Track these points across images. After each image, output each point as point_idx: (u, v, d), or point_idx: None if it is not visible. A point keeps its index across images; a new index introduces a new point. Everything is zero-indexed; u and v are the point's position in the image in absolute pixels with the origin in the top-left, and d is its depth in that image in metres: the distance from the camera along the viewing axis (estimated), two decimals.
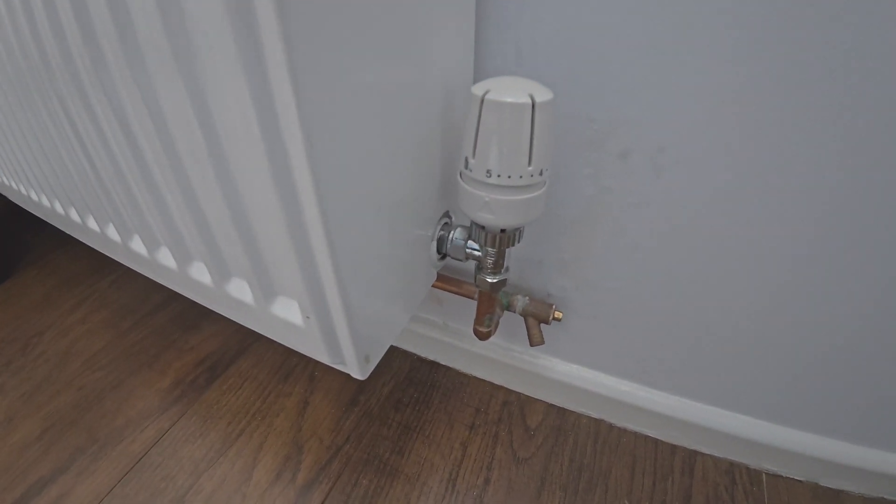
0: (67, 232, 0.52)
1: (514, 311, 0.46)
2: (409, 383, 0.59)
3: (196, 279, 0.33)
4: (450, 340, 0.57)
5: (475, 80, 0.36)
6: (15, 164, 0.48)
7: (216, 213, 0.26)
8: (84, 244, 0.83)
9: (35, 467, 0.51)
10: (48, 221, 0.56)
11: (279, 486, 0.49)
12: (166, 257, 0.35)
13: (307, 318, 0.27)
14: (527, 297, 0.46)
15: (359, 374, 0.29)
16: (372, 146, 0.24)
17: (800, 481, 0.49)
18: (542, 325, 0.46)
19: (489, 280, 0.36)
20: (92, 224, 0.42)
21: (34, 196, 0.50)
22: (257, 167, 0.21)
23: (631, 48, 0.32)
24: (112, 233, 0.40)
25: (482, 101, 0.27)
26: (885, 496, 0.47)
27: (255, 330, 0.35)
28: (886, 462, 0.46)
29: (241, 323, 0.36)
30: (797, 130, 0.31)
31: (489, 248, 0.34)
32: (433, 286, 0.47)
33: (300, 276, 0.24)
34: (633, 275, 0.43)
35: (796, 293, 0.38)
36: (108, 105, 0.27)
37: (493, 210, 0.29)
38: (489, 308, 0.41)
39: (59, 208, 0.46)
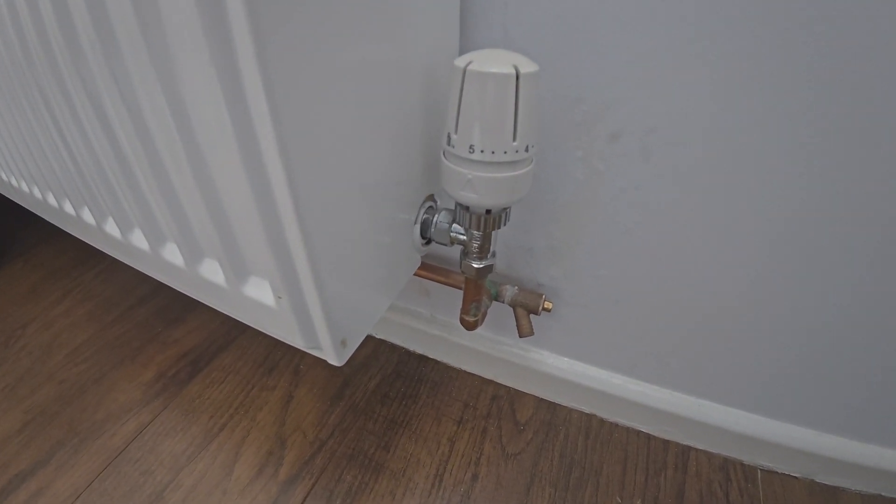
0: (47, 218, 0.51)
1: (503, 302, 0.45)
2: (396, 377, 0.57)
3: (169, 261, 0.32)
4: (438, 333, 0.56)
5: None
6: None
7: (186, 191, 0.25)
8: (69, 238, 0.82)
9: (15, 461, 0.50)
10: (27, 208, 0.55)
11: (261, 481, 0.47)
12: (139, 239, 0.34)
13: (279, 298, 0.25)
14: (516, 287, 0.44)
15: (335, 359, 0.28)
16: (347, 125, 0.23)
17: (796, 477, 0.48)
18: (532, 315, 0.45)
19: (475, 265, 0.35)
20: (68, 208, 0.41)
21: (14, 182, 0.49)
22: (226, 143, 0.20)
23: (621, 26, 0.31)
24: (87, 216, 0.39)
25: (464, 72, 0.25)
26: (882, 493, 0.46)
27: (230, 314, 0.34)
28: (884, 458, 0.45)
29: (216, 307, 0.35)
30: (789, 112, 0.30)
31: (474, 231, 0.33)
32: (420, 276, 0.46)
33: (270, 254, 0.23)
34: (624, 261, 0.41)
35: (792, 285, 0.37)
36: (79, 80, 0.26)
37: (477, 188, 0.28)
38: (475, 296, 0.40)
39: (36, 193, 0.45)
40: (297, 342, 0.28)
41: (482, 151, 0.27)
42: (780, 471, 0.49)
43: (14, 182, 0.49)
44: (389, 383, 0.56)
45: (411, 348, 0.60)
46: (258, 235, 0.23)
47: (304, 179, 0.21)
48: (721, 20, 0.29)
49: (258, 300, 0.27)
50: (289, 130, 0.19)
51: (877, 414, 0.43)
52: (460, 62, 0.26)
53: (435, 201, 0.37)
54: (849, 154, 0.30)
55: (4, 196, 0.63)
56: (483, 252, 0.35)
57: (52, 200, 0.43)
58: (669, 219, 0.38)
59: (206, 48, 0.17)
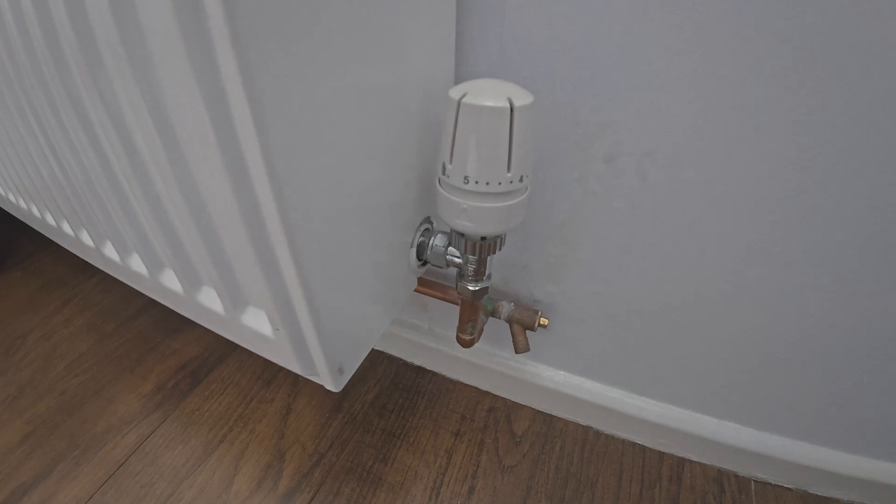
0: (46, 235, 0.51)
1: (500, 318, 0.45)
2: (394, 389, 0.58)
3: (167, 287, 0.32)
4: (436, 346, 0.57)
5: (456, 81, 0.35)
6: None
7: (181, 221, 0.25)
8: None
9: (17, 472, 0.50)
10: (27, 223, 0.55)
11: (260, 494, 0.48)
12: (138, 264, 0.34)
13: (276, 329, 0.26)
14: (512, 304, 0.45)
15: (332, 385, 0.28)
16: (340, 150, 0.23)
17: (789, 489, 0.49)
18: (528, 331, 0.45)
19: (470, 288, 0.35)
20: (67, 228, 0.41)
21: (12, 198, 0.49)
22: (216, 175, 0.20)
23: (618, 48, 0.31)
24: (85, 238, 0.39)
25: (459, 104, 0.26)
26: None
27: (230, 339, 0.34)
28: (877, 470, 0.45)
29: (216, 331, 0.35)
30: (784, 134, 0.30)
31: (470, 256, 0.33)
32: (418, 291, 0.46)
33: (266, 288, 0.23)
34: (621, 278, 0.42)
35: (785, 300, 0.38)
36: (73, 113, 0.26)
37: (472, 217, 0.29)
38: (472, 315, 0.40)
39: (35, 211, 0.45)
40: (295, 369, 0.28)
41: (476, 182, 0.27)
42: (773, 482, 0.49)
43: (12, 198, 0.49)
44: (387, 395, 0.57)
45: (409, 360, 0.61)
46: (252, 267, 0.23)
47: (297, 208, 0.21)
48: (716, 43, 0.29)
49: (257, 330, 0.28)
50: (278, 157, 0.19)
51: (870, 426, 0.43)
52: (455, 94, 0.26)
53: (431, 223, 0.37)
54: (846, 173, 0.30)
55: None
56: (479, 275, 0.35)
57: (50, 220, 0.44)
58: (665, 237, 0.38)
59: (192, 76, 0.17)
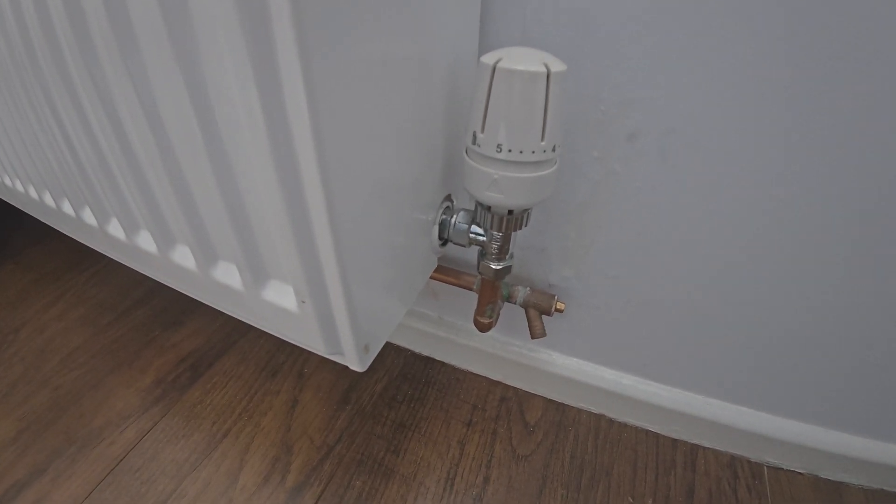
0: (42, 219, 0.49)
1: (515, 303, 0.44)
2: (403, 379, 0.57)
3: (179, 264, 0.31)
4: (445, 335, 0.56)
5: (479, 56, 0.35)
6: None
7: (204, 191, 0.24)
8: (62, 240, 0.79)
9: (11, 470, 0.48)
10: (19, 207, 0.53)
11: (268, 489, 0.46)
12: (146, 241, 0.33)
13: (302, 302, 0.25)
14: (528, 288, 0.44)
15: (358, 365, 0.27)
16: (377, 122, 0.22)
17: (800, 473, 0.49)
18: (544, 316, 0.44)
19: (493, 266, 0.34)
20: (67, 208, 0.39)
21: (7, 182, 0.47)
22: (256, 142, 0.19)
23: (642, 25, 0.31)
24: (88, 216, 0.37)
25: (494, 69, 0.25)
26: (885, 487, 0.47)
27: (242, 319, 0.33)
28: (886, 453, 0.45)
29: (227, 312, 0.34)
30: (811, 116, 0.30)
31: (495, 232, 0.33)
32: (431, 277, 0.45)
33: (297, 257, 0.22)
34: (638, 262, 0.41)
35: (798, 284, 0.38)
36: (90, 83, 0.25)
37: (503, 188, 0.28)
38: (491, 297, 0.39)
39: (32, 193, 0.43)
40: (319, 348, 0.27)
41: (510, 151, 0.26)
42: (785, 467, 0.49)
43: (7, 181, 0.47)
44: (396, 386, 0.56)
45: (417, 350, 0.60)
46: (285, 237, 0.22)
47: (338, 178, 0.20)
48: (742, 22, 0.28)
49: (278, 304, 0.27)
50: (325, 125, 0.18)
51: (880, 409, 0.44)
52: (488, 59, 0.25)
53: (451, 201, 0.36)
54: (870, 155, 0.30)
55: None
56: (502, 253, 0.34)
57: (49, 201, 0.42)
58: (684, 220, 0.38)
59: (241, 37, 0.16)
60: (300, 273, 0.23)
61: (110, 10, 0.20)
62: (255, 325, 0.32)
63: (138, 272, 0.39)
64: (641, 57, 0.32)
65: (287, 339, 0.30)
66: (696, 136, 0.33)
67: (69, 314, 0.66)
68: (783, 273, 0.38)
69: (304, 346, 0.29)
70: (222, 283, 0.29)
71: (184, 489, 0.47)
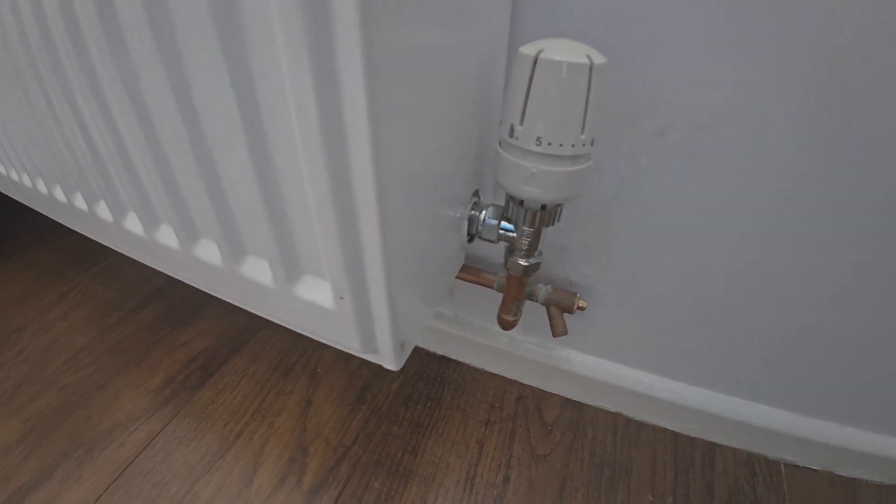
0: (49, 215, 0.48)
1: (537, 301, 0.44)
2: (418, 379, 0.56)
3: (203, 259, 0.30)
4: (461, 334, 0.55)
5: (510, 52, 0.34)
6: None
7: (240, 185, 0.23)
8: (64, 237, 0.78)
9: (16, 474, 0.47)
10: (28, 205, 0.51)
11: (284, 490, 0.45)
12: (167, 236, 0.32)
13: (340, 298, 0.24)
14: (549, 286, 0.43)
15: (393, 363, 0.26)
16: (422, 114, 0.22)
17: (816, 471, 0.49)
18: (565, 314, 0.44)
19: (522, 263, 0.34)
20: (79, 203, 0.38)
21: (14, 176, 0.46)
22: (306, 129, 0.18)
23: (674, 19, 0.30)
24: (103, 211, 0.36)
25: (535, 60, 0.24)
26: None
27: (265, 315, 0.32)
28: None
29: (249, 308, 0.33)
30: (846, 115, 0.30)
31: (525, 228, 0.32)
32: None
33: (340, 251, 0.21)
34: (662, 259, 0.41)
35: (817, 283, 0.38)
36: (111, 61, 0.24)
37: (540, 182, 0.27)
38: (517, 295, 0.39)
39: (41, 187, 0.42)
40: (353, 345, 0.26)
41: (549, 144, 0.26)
42: (801, 464, 0.49)
43: (14, 175, 0.46)
44: (412, 386, 0.55)
45: (432, 349, 0.59)
46: (329, 230, 0.21)
47: (387, 170, 0.19)
48: (778, 20, 0.28)
49: (311, 301, 0.26)
50: (380, 113, 0.17)
51: (894, 406, 0.44)
52: (529, 50, 0.25)
53: (479, 197, 0.35)
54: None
55: None
56: (532, 250, 0.34)
57: (59, 195, 0.40)
58: (710, 217, 0.37)
59: (298, 18, 0.15)
60: (342, 268, 0.22)
61: None
62: (280, 322, 0.31)
63: (144, 271, 0.39)
64: (674, 51, 0.31)
65: (316, 337, 0.29)
66: (727, 132, 0.33)
67: (74, 313, 0.64)
68: (803, 272, 0.37)
69: (334, 345, 0.28)
70: (250, 279, 0.28)
71: (197, 492, 0.46)
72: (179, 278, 0.36)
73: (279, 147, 0.21)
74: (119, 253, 0.42)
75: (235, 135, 0.21)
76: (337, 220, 0.20)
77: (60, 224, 0.49)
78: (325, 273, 0.24)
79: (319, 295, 0.26)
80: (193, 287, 0.36)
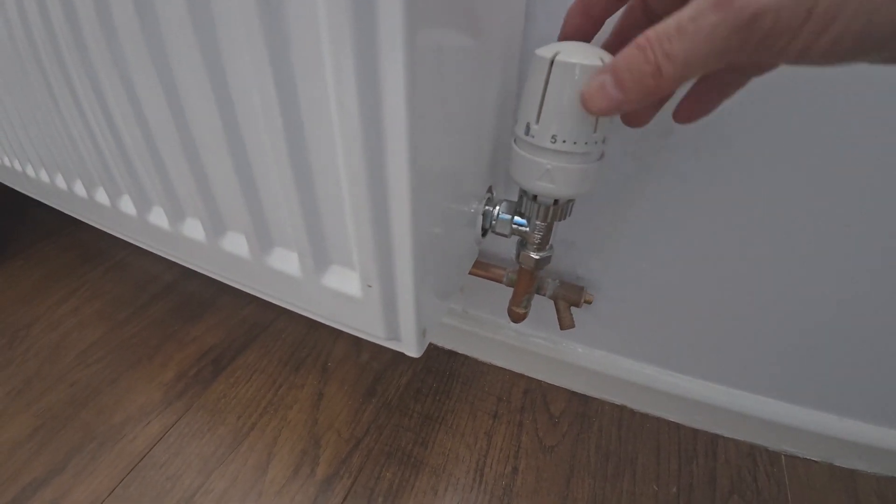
0: (68, 212, 0.49)
1: (545, 295, 0.45)
2: (427, 372, 0.57)
3: (229, 251, 0.31)
4: (469, 328, 0.56)
5: (522, 55, 0.35)
6: (11, 137, 0.44)
7: (274, 177, 0.24)
8: (72, 234, 0.78)
9: (28, 468, 0.47)
10: (43, 201, 0.52)
11: (297, 481, 0.46)
12: (193, 229, 0.33)
13: (368, 287, 0.25)
14: (557, 280, 0.45)
15: (415, 350, 0.28)
16: (452, 109, 0.23)
17: (816, 462, 0.50)
18: (572, 308, 0.45)
19: (534, 256, 0.35)
20: (101, 198, 0.39)
21: (30, 171, 0.46)
22: (346, 121, 0.19)
23: None
24: (126, 205, 0.37)
25: (552, 62, 0.26)
26: None
27: (288, 306, 0.33)
28: None
29: (271, 298, 0.34)
30: (850, 116, 0.31)
31: (538, 222, 0.33)
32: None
33: (372, 240, 0.23)
34: (667, 255, 0.42)
35: (817, 278, 0.39)
36: (145, 47, 0.24)
37: (555, 178, 0.29)
38: (528, 288, 0.40)
39: (60, 183, 0.43)
40: (377, 333, 0.27)
41: (564, 142, 0.27)
42: (802, 455, 0.51)
43: (30, 171, 0.47)
44: (421, 379, 0.56)
45: (440, 344, 0.60)
46: (363, 220, 0.22)
47: (420, 166, 0.20)
48: None
49: (339, 290, 0.27)
50: (417, 106, 0.18)
51: (894, 398, 0.45)
52: (546, 53, 0.26)
53: (492, 193, 0.37)
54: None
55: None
56: (543, 243, 0.35)
57: (80, 190, 0.41)
58: (714, 214, 0.39)
59: (346, 20, 0.17)
60: (372, 257, 0.23)
61: None
62: (302, 312, 0.32)
63: (154, 267, 0.39)
64: None
65: (338, 326, 0.30)
66: (730, 132, 0.35)
67: (84, 309, 0.65)
68: (803, 268, 0.39)
69: (356, 332, 0.29)
70: (278, 270, 0.29)
71: (211, 483, 0.46)
72: (200, 271, 0.37)
73: (317, 143, 0.22)
74: (128, 250, 0.43)
75: (274, 130, 0.22)
76: (371, 211, 0.21)
77: (68, 222, 0.50)
78: (354, 262, 0.25)
79: (347, 284, 0.27)
80: (203, 283, 0.37)
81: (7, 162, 0.49)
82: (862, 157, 0.33)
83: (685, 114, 0.27)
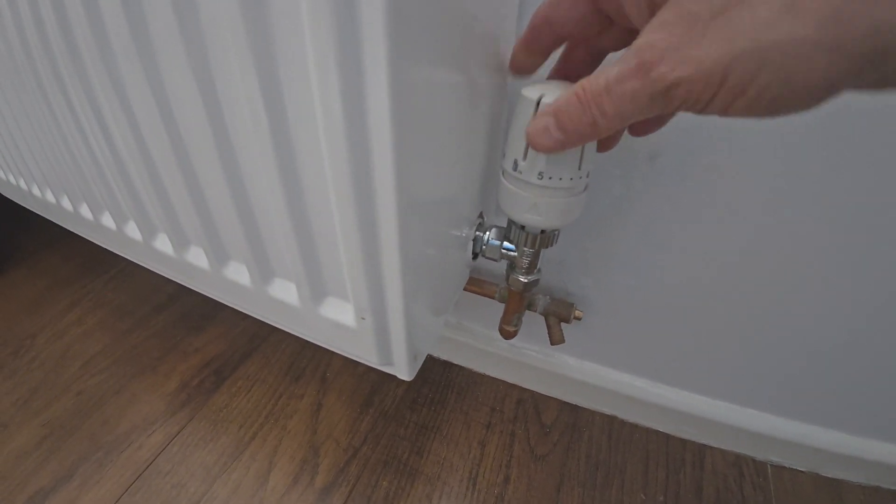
0: (73, 230, 0.50)
1: (536, 311, 0.47)
2: (422, 383, 0.59)
3: (232, 280, 0.33)
4: (464, 340, 0.58)
5: (512, 83, 0.36)
6: (17, 157, 0.45)
7: (272, 213, 0.26)
8: (75, 244, 0.80)
9: (35, 477, 0.49)
10: (52, 220, 0.53)
11: (297, 489, 0.48)
12: (197, 257, 0.34)
13: (362, 319, 0.26)
14: (548, 297, 0.46)
15: (407, 374, 0.29)
16: (441, 139, 0.24)
17: (802, 471, 0.52)
18: (562, 323, 0.47)
19: (523, 280, 0.37)
20: (108, 222, 0.41)
21: (37, 192, 0.48)
22: (336, 158, 0.20)
23: None
24: (132, 231, 0.38)
25: (537, 104, 0.27)
26: (881, 484, 0.50)
27: (291, 331, 0.35)
28: (884, 452, 0.48)
29: (274, 324, 0.35)
30: (830, 139, 0.32)
31: (526, 249, 0.35)
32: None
33: (364, 276, 0.24)
34: (655, 273, 0.44)
35: (801, 293, 0.40)
36: (141, 70, 0.24)
37: (542, 211, 0.30)
38: (518, 307, 0.41)
39: (66, 205, 0.44)
40: (371, 359, 0.29)
41: (550, 178, 0.28)
42: (788, 465, 0.52)
43: (37, 191, 0.48)
44: (417, 389, 0.58)
45: (437, 355, 0.62)
46: (354, 256, 0.23)
47: (408, 202, 0.21)
48: None
49: (335, 320, 0.28)
50: (404, 143, 0.19)
51: (877, 410, 0.47)
52: (531, 94, 0.27)
53: (483, 218, 0.38)
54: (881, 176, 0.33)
55: (2, 200, 0.61)
56: (531, 268, 0.36)
57: (86, 213, 0.43)
58: (699, 235, 0.40)
59: (333, 46, 0.17)
60: (364, 290, 0.25)
61: None
62: (303, 337, 0.34)
63: (156, 277, 0.40)
64: None
65: (335, 350, 0.32)
66: (714, 158, 0.36)
67: (87, 319, 0.67)
68: (786, 285, 0.40)
69: (354, 358, 0.31)
70: (277, 300, 0.30)
71: (215, 491, 0.48)
72: (203, 293, 0.38)
73: (310, 182, 0.23)
74: (130, 259, 0.44)
75: (270, 170, 0.23)
76: (362, 247, 0.23)
77: (70, 231, 0.51)
78: (348, 295, 0.26)
79: (342, 315, 0.28)
80: (204, 294, 0.38)
81: (13, 180, 0.50)
82: (841, 189, 0.34)
83: (640, 130, 0.28)
